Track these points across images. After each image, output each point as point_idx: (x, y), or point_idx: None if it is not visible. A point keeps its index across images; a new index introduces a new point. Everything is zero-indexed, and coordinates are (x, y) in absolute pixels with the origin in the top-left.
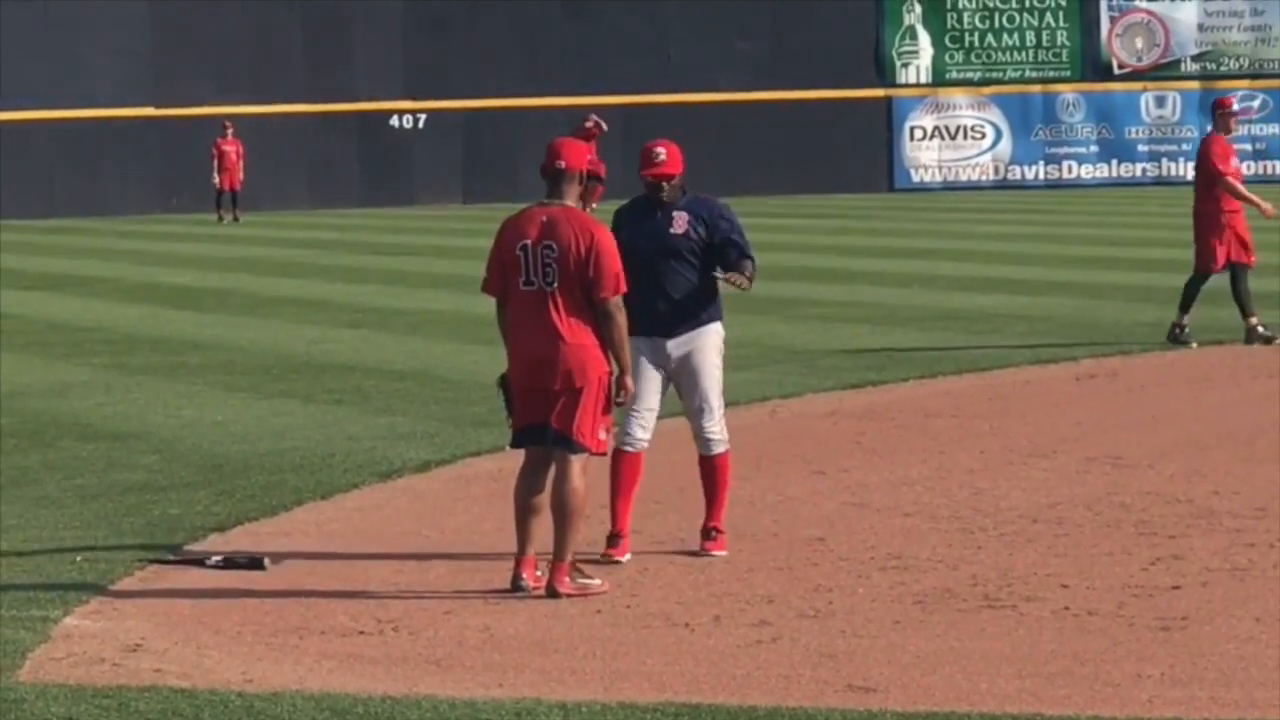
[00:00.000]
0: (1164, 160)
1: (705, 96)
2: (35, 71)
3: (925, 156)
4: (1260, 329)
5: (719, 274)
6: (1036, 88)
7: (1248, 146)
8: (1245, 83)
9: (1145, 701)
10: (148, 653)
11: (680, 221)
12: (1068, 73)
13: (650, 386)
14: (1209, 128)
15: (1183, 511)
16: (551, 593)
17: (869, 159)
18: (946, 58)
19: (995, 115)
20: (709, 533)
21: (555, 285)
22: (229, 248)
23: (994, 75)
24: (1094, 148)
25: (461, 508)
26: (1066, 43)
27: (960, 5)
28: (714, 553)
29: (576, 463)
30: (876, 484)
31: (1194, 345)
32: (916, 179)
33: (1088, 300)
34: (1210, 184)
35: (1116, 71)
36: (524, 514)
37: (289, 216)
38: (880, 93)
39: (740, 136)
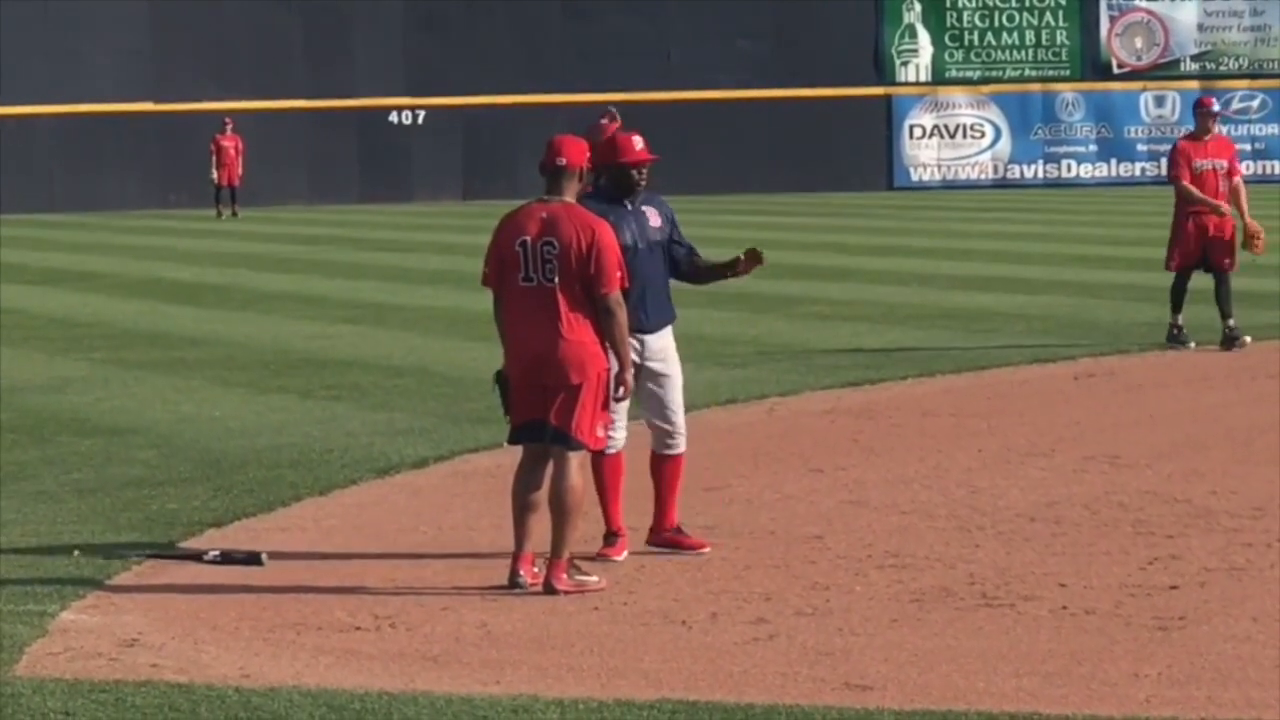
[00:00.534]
0: (1163, 160)
1: (705, 94)
2: (35, 66)
3: (924, 155)
4: (1228, 330)
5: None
6: (1036, 87)
7: (1247, 146)
8: (1245, 82)
9: (1142, 701)
10: (145, 648)
11: (654, 216)
12: (1067, 72)
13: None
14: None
15: (1180, 511)
16: (549, 589)
17: (868, 157)
18: (946, 56)
19: (994, 114)
20: (678, 531)
21: (555, 282)
22: (228, 243)
23: (993, 74)
24: (1093, 147)
25: (459, 504)
26: (1066, 42)
27: (960, 4)
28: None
29: (574, 460)
30: (874, 482)
31: (1192, 345)
32: (916, 177)
33: (1086, 299)
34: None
35: (1116, 71)
36: (522, 511)
37: (288, 212)
38: (880, 91)
39: (740, 135)
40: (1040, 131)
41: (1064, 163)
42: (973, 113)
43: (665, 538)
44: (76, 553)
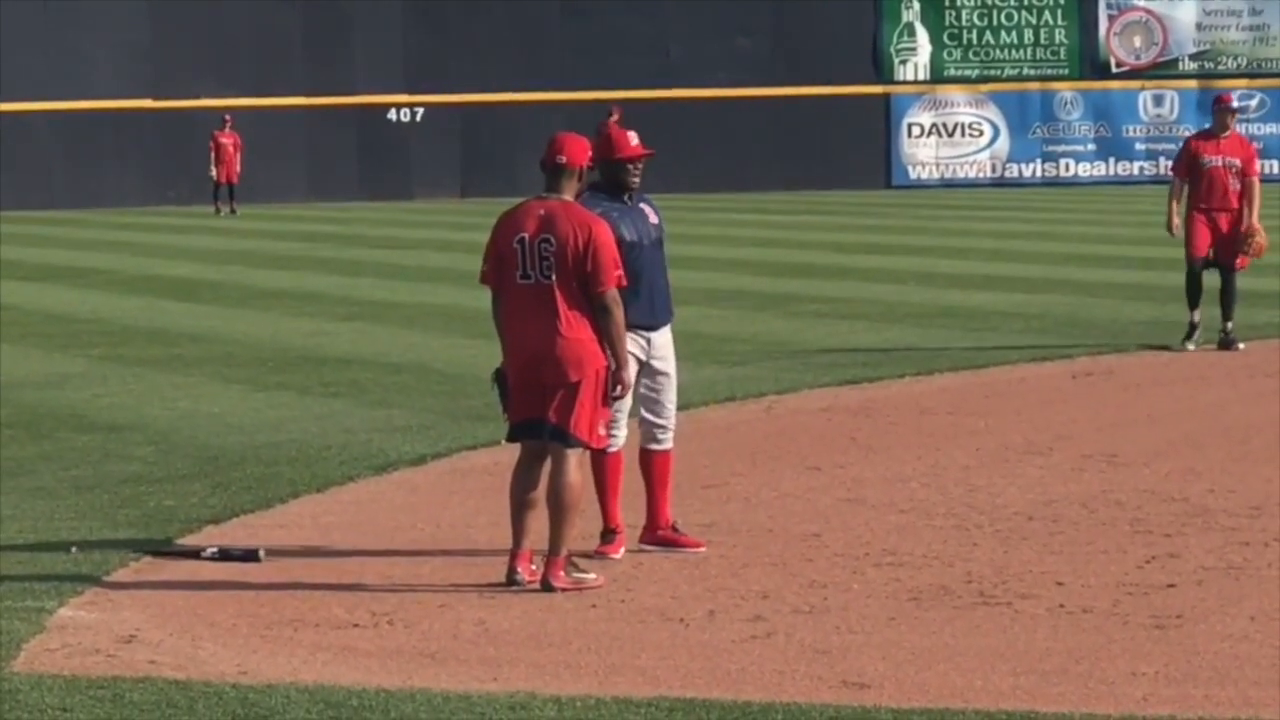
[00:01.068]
0: (1161, 159)
1: (704, 93)
2: (34, 62)
3: (923, 153)
4: (1225, 333)
5: None
6: (1034, 85)
7: None
8: (1243, 82)
9: (1140, 699)
10: (142, 644)
11: (651, 214)
12: (1066, 71)
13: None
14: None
15: (1178, 510)
16: (546, 587)
17: (867, 156)
18: (945, 55)
19: (993, 113)
20: (673, 529)
21: (553, 279)
22: (226, 240)
23: (992, 73)
24: (1091, 146)
25: (457, 501)
26: (1065, 41)
27: (959, 3)
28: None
29: (573, 457)
30: (872, 480)
31: (1191, 347)
32: (914, 176)
33: (1084, 298)
34: None
35: (1114, 70)
36: (520, 508)
37: (287, 209)
38: (878, 89)
39: (738, 133)
40: (1039, 130)
41: (1062, 162)
42: (971, 111)
43: (660, 536)
44: (74, 549)
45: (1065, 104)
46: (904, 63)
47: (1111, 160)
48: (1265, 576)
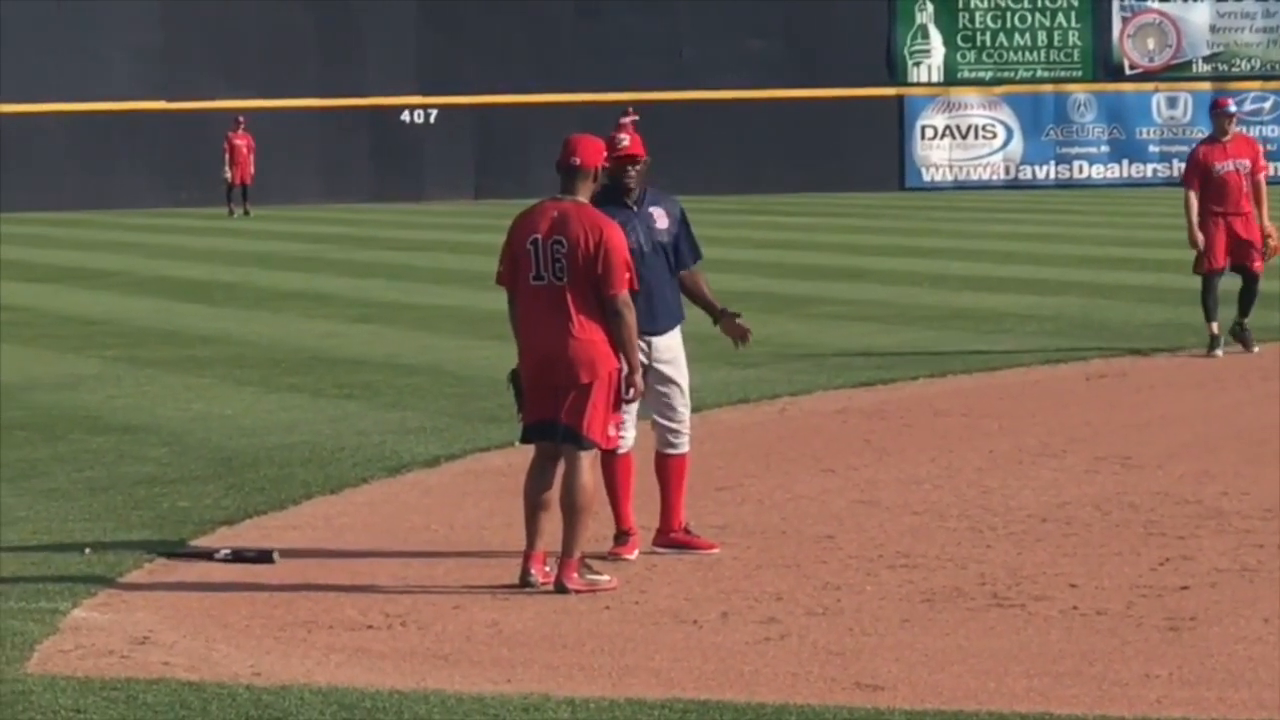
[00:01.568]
0: (1175, 161)
1: (717, 94)
2: (47, 64)
3: (936, 155)
4: (1226, 336)
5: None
6: (1048, 87)
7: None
8: (1257, 84)
9: (1153, 701)
10: (156, 645)
11: (662, 218)
12: (1079, 73)
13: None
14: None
15: (1192, 512)
16: (560, 588)
17: (880, 158)
18: (958, 57)
19: (1006, 115)
20: (685, 531)
21: (565, 280)
22: (239, 242)
23: (1005, 75)
24: (1105, 148)
25: (470, 503)
26: (1078, 43)
27: (972, 5)
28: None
29: (586, 459)
30: (886, 482)
31: (1219, 354)
32: (927, 178)
33: (1098, 300)
34: None
35: (1128, 72)
36: (533, 509)
37: (300, 211)
38: (892, 92)
39: (751, 135)
40: (1052, 132)
41: (1076, 164)
42: (984, 113)
43: (673, 538)
44: (88, 550)
45: (1079, 106)
46: (917, 65)
47: (1125, 162)
48: (1279, 579)
